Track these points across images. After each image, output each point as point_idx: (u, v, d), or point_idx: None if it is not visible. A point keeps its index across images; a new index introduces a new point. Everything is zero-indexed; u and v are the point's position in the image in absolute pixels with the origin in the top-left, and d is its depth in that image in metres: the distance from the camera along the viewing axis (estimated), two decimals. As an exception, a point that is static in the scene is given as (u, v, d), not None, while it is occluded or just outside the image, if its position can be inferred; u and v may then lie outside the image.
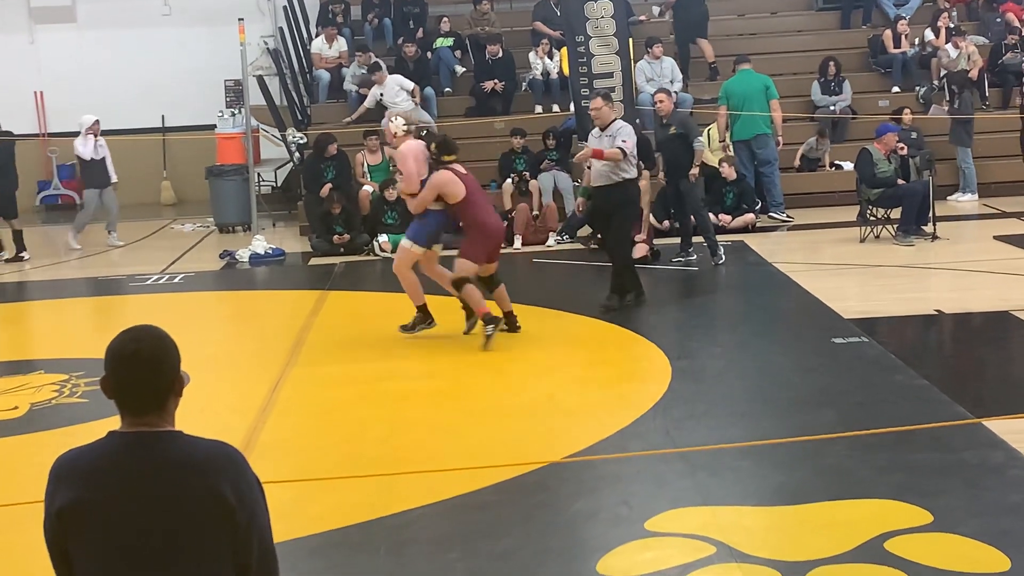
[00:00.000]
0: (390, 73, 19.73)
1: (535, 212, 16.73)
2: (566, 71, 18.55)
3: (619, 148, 11.96)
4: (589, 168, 12.54)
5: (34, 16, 22.39)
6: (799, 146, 18.66)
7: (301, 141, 18.96)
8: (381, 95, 18.75)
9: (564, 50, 18.71)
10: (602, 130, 12.16)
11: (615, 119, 12.30)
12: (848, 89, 19.62)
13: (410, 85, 18.93)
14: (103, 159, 17.88)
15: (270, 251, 16.57)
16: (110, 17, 22.28)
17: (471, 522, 6.92)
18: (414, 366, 10.67)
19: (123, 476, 3.25)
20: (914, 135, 17.33)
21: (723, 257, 14.22)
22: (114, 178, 18.22)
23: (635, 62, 18.06)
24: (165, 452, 3.28)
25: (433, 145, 11.49)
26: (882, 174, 15.46)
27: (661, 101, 14.73)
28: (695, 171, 14.22)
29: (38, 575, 6.02)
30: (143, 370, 3.29)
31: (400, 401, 9.54)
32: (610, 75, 16.54)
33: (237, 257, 16.40)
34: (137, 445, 3.28)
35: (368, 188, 17.23)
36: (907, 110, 17.95)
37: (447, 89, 20.36)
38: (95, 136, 17.83)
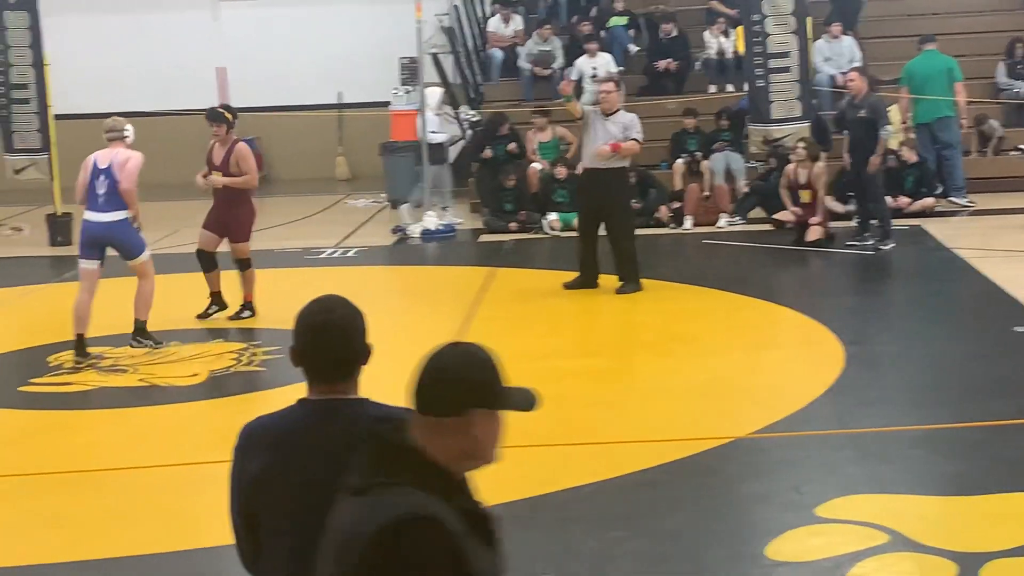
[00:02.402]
0: (565, 53, 19.75)
1: (706, 193, 16.56)
2: (741, 50, 18.31)
3: (635, 140, 12.05)
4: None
5: (218, -7, 22.91)
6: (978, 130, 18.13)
7: (474, 119, 19.09)
8: (595, 70, 18.72)
9: (740, 29, 18.47)
10: (607, 115, 12.17)
11: (620, 107, 12.30)
12: (1035, 71, 18.97)
13: (615, 68, 18.92)
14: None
15: (441, 227, 16.71)
16: (290, -6, 22.69)
17: (638, 501, 6.89)
18: (579, 344, 10.69)
19: (314, 443, 3.28)
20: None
21: (891, 245, 13.90)
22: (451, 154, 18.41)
23: (812, 41, 17.73)
24: (354, 418, 3.30)
25: (231, 115, 11.60)
26: (1069, 158, 14.95)
27: (852, 80, 14.44)
28: (877, 160, 13.93)
29: (214, 534, 6.18)
30: (335, 339, 3.31)
31: (567, 378, 9.52)
32: (786, 55, 16.27)
33: (409, 232, 16.57)
34: (327, 412, 3.31)
35: (537, 166, 17.27)
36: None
37: (620, 68, 20.26)
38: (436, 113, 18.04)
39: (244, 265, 11.84)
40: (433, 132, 17.45)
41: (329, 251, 15.70)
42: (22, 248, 16.54)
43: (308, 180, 21.99)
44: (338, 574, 2.74)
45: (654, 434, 8.00)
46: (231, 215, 11.72)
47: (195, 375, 9.92)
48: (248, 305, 11.85)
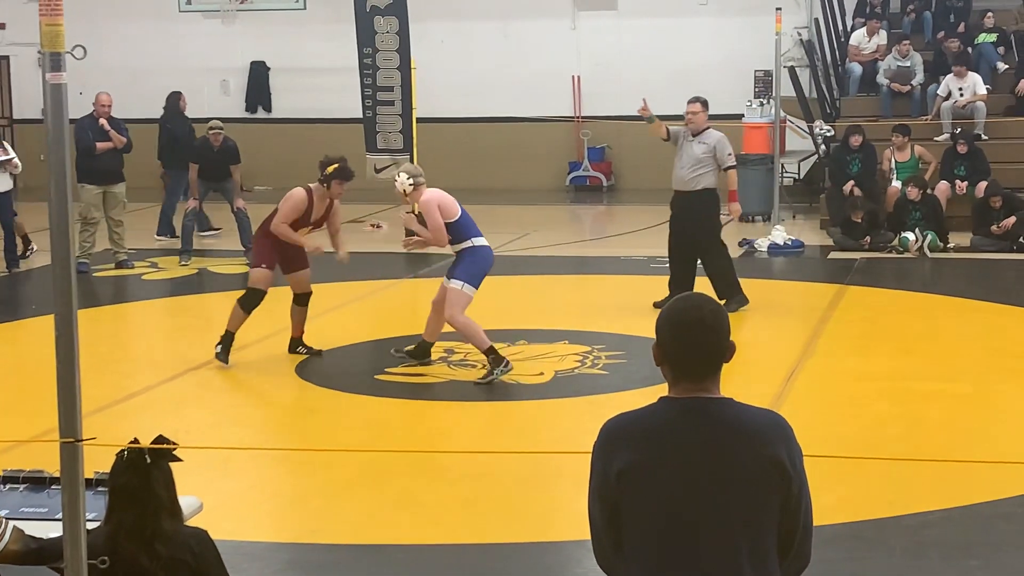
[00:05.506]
0: (925, 69, 19.16)
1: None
2: (1122, 70, 17.31)
3: (732, 167, 12.08)
4: None
5: (577, 3, 23.22)
6: None
7: (828, 134, 18.72)
8: (961, 90, 18.16)
9: (1121, 48, 17.47)
10: (694, 135, 11.99)
11: (708, 127, 12.05)
12: None
13: (983, 89, 18.24)
14: None
15: (789, 242, 16.46)
16: (649, 5, 22.77)
17: (995, 531, 6.60)
18: (935, 367, 10.30)
19: (682, 441, 3.26)
20: None
21: None
22: None
23: None
24: (722, 417, 3.28)
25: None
26: None
27: None
28: None
29: (561, 529, 6.22)
30: (706, 335, 3.28)
31: (921, 401, 9.23)
32: None
33: (756, 246, 16.40)
34: (693, 411, 3.28)
35: (896, 185, 16.81)
36: None
37: (987, 87, 19.47)
38: None
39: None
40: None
41: (675, 261, 15.63)
42: (380, 244, 17.18)
43: (655, 190, 22.01)
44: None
45: (1012, 460, 7.62)
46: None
47: (541, 374, 10.05)
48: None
